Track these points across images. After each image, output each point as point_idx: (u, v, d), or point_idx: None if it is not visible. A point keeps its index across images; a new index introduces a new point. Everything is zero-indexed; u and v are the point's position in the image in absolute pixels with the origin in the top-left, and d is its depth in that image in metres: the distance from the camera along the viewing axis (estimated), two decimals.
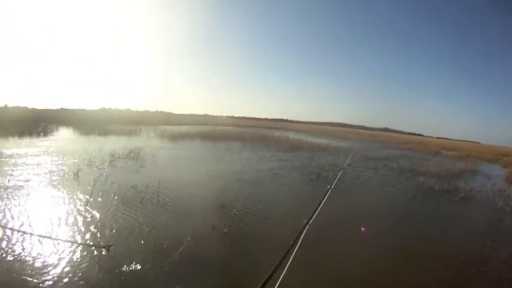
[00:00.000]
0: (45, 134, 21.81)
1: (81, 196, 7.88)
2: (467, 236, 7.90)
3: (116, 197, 8.04)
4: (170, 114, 68.68)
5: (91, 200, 7.57)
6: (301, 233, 3.22)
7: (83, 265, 4.66)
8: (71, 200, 7.61)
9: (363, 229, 7.09)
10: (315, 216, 3.80)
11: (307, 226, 3.35)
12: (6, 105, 35.35)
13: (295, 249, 2.91)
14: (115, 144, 17.52)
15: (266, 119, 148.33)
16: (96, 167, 11.58)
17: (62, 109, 42.67)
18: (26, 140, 18.11)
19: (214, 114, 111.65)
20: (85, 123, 30.73)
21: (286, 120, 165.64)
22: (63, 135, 23.19)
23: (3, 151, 13.04)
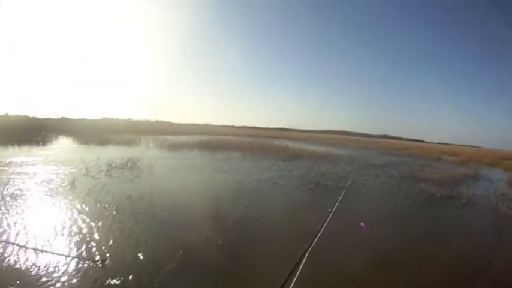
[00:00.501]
0: (44, 143, 21.82)
1: (74, 207, 7.72)
2: (471, 243, 7.58)
3: (108, 208, 7.85)
4: (170, 123, 68.82)
5: (84, 210, 7.42)
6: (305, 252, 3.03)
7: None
8: (64, 210, 7.44)
9: (362, 224, 6.86)
10: (319, 235, 3.63)
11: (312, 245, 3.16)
12: (7, 114, 35.34)
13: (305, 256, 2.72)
14: (113, 154, 17.47)
15: (267, 128, 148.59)
16: (92, 177, 11.53)
17: (62, 118, 42.68)
18: (25, 149, 18.17)
19: (215, 123, 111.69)
20: (85, 132, 30.85)
21: (287, 129, 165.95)
22: (62, 144, 23.21)
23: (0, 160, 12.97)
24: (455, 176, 19.13)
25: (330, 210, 5.26)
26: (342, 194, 10.43)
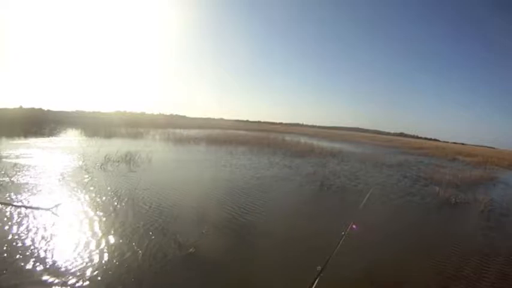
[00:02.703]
0: (50, 135, 21.79)
1: (50, 200, 7.29)
2: (491, 261, 6.57)
3: (84, 203, 7.41)
4: (184, 117, 68.86)
5: (60, 204, 6.93)
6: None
7: None
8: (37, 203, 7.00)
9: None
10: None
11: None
12: (21, 107, 35.48)
13: None
14: (116, 146, 17.03)
15: (281, 123, 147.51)
16: (86, 170, 11.06)
17: (77, 111, 43.04)
18: (29, 140, 18.02)
19: (230, 118, 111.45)
20: (96, 125, 30.81)
21: (302, 125, 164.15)
22: (68, 136, 23.14)
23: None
24: (471, 178, 17.72)
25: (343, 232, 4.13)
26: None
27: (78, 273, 4.39)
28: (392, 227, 8.20)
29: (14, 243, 5.06)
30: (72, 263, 4.65)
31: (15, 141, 17.16)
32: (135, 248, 5.29)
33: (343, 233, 3.43)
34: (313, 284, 2.39)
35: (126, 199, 7.98)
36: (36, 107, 37.32)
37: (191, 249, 5.32)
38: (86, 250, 5.06)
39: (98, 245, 5.29)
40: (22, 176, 9.37)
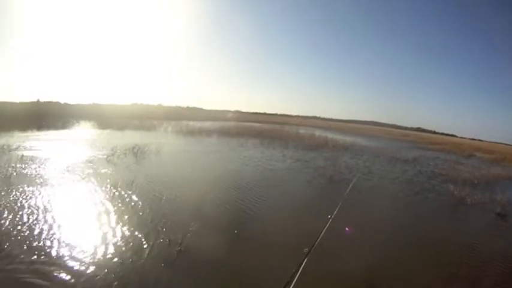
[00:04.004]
0: (63, 128, 22.10)
1: (42, 190, 7.45)
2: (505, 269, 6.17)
3: (74, 194, 7.46)
4: (201, 109, 68.89)
5: (46, 197, 6.99)
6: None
7: None
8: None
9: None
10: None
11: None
12: (38, 100, 36.03)
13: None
14: (126, 138, 17.32)
15: (298, 116, 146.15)
16: (91, 161, 11.03)
17: (94, 104, 43.52)
18: (41, 133, 18.32)
19: (247, 110, 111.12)
20: (111, 117, 31.06)
21: (319, 118, 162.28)
22: (81, 128, 23.36)
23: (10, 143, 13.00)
24: (488, 176, 16.94)
25: (331, 213, 3.97)
26: (351, 188, 9.18)
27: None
28: (399, 225, 7.87)
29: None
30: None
31: (27, 134, 17.43)
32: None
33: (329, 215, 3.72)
34: (301, 264, 2.52)
35: (124, 190, 8.00)
36: (54, 100, 37.87)
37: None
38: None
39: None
40: (26, 169, 9.32)
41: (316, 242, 3.09)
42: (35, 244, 4.82)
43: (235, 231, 6.08)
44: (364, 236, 6.43)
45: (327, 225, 3.60)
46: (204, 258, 4.95)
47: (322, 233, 3.35)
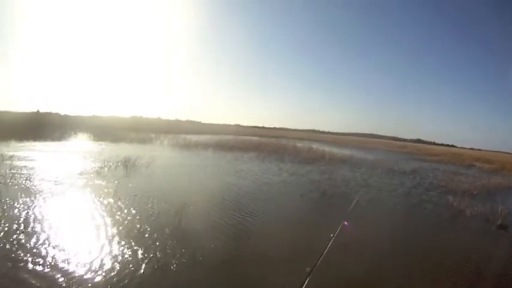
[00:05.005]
0: (60, 139, 22.03)
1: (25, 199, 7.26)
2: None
3: (55, 206, 7.25)
4: (200, 123, 68.90)
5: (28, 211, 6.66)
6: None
7: None
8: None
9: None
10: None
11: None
12: (38, 111, 35.79)
13: None
14: (121, 151, 17.00)
15: (296, 130, 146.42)
16: (80, 174, 10.77)
17: (93, 116, 43.49)
18: (39, 143, 18.40)
19: (245, 124, 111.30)
20: (110, 129, 30.98)
21: (317, 131, 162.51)
22: (78, 140, 23.24)
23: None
24: (488, 187, 16.52)
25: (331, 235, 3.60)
26: (352, 205, 8.75)
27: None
28: (394, 241, 7.43)
29: None
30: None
31: (23, 144, 17.35)
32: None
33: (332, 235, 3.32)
34: (303, 284, 2.32)
35: (101, 207, 7.56)
36: (54, 111, 37.73)
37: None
38: None
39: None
40: (13, 179, 9.22)
41: (319, 261, 2.81)
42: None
43: (232, 248, 5.74)
44: (359, 254, 6.01)
45: (330, 243, 3.25)
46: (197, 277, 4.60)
47: (325, 251, 3.00)
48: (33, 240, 5.28)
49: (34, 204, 7.14)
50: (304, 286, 2.33)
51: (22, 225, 5.86)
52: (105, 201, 7.85)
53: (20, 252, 4.83)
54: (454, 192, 13.71)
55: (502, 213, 10.11)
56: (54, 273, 4.33)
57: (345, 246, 5.15)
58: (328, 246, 3.12)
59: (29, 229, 5.72)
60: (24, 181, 9.09)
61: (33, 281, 4.09)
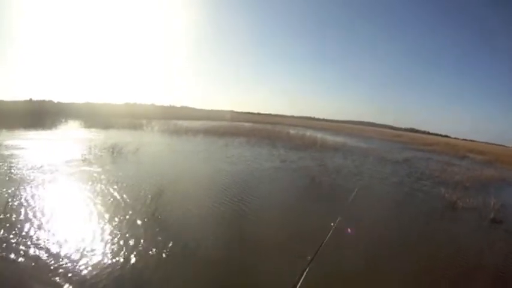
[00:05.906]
0: (52, 127, 21.32)
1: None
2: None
3: (38, 192, 6.93)
4: (194, 109, 67.91)
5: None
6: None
7: None
8: None
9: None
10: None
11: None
12: (31, 99, 34.60)
13: None
14: (110, 138, 16.27)
15: (292, 116, 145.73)
16: (66, 162, 10.15)
17: (87, 103, 42.40)
18: (30, 131, 17.57)
19: (240, 110, 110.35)
20: (103, 116, 30.35)
21: (313, 118, 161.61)
22: (69, 128, 22.60)
23: None
24: (481, 179, 16.20)
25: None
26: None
27: None
28: (380, 234, 6.99)
29: None
30: None
31: (14, 133, 16.57)
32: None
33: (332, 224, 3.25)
34: (303, 273, 2.25)
35: (82, 191, 7.21)
36: (47, 99, 36.57)
37: None
38: None
39: None
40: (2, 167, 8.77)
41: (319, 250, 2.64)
42: None
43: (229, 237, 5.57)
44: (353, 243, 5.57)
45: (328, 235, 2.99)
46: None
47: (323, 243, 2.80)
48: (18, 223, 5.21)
49: (18, 192, 6.76)
50: (305, 273, 2.25)
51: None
52: (91, 188, 7.58)
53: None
54: (446, 183, 13.39)
55: (494, 207, 9.68)
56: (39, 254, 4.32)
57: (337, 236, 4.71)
58: (328, 236, 2.98)
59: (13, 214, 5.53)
60: (8, 170, 8.58)
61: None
